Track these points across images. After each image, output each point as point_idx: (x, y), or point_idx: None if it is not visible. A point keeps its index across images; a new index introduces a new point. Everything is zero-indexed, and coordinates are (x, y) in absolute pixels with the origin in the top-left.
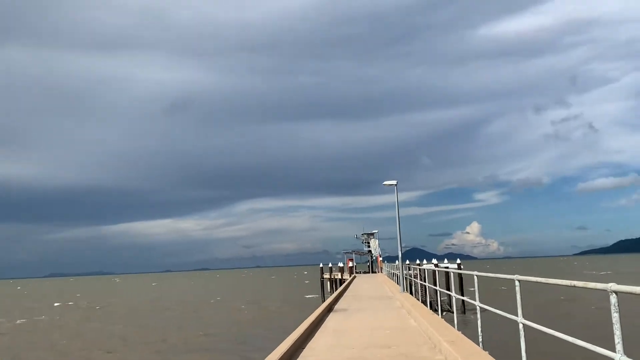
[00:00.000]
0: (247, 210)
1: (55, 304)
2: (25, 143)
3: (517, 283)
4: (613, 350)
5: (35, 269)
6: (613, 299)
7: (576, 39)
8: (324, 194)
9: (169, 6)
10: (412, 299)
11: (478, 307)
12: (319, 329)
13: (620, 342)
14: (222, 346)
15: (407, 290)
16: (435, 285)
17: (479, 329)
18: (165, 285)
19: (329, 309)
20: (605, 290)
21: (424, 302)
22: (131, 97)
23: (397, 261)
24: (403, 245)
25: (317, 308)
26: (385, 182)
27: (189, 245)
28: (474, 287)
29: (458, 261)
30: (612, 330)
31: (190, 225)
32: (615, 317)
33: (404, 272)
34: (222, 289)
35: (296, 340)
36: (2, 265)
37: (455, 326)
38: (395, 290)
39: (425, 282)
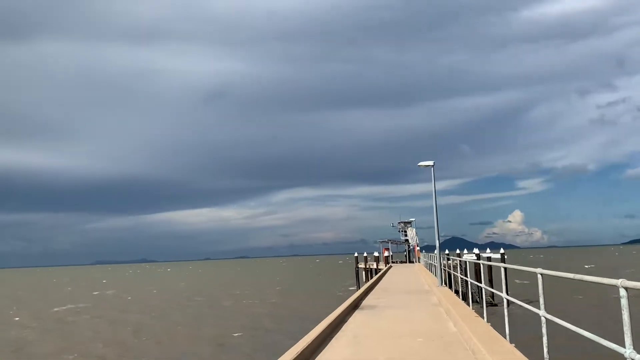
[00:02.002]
0: (285, 200)
1: (94, 293)
2: (70, 135)
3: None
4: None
5: (83, 257)
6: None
7: (624, 19)
8: (361, 183)
9: None
10: (451, 294)
11: (543, 319)
12: (337, 334)
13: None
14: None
15: (445, 283)
16: (476, 277)
17: (545, 341)
18: (201, 274)
19: (355, 305)
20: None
21: (463, 293)
22: (170, 88)
23: (435, 250)
24: (442, 234)
25: (342, 303)
26: (421, 163)
27: (228, 233)
28: (518, 279)
29: (501, 251)
30: None
31: (230, 214)
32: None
33: (442, 262)
34: (255, 279)
35: (303, 350)
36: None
37: (507, 336)
38: (432, 283)
39: (466, 274)
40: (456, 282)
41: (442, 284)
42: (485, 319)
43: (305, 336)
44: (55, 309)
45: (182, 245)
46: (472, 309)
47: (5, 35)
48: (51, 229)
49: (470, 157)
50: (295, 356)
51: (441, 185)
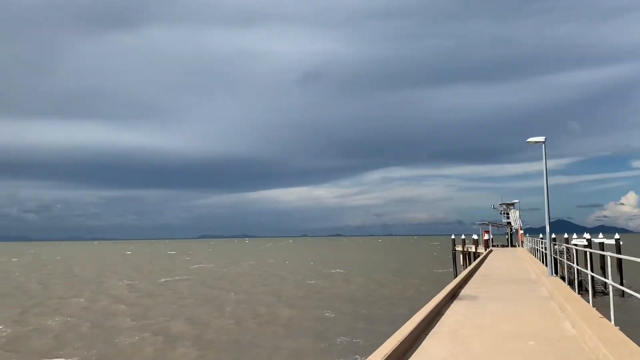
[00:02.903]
0: (379, 179)
1: (192, 267)
2: (178, 117)
3: None
4: None
5: (188, 231)
6: None
7: None
8: (459, 162)
9: None
10: (564, 287)
11: None
12: (433, 329)
13: None
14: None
15: (556, 272)
16: (586, 265)
17: None
18: (295, 251)
19: (453, 295)
20: None
21: (572, 282)
22: (269, 69)
23: (541, 234)
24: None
25: (438, 292)
26: (530, 139)
27: (323, 212)
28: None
29: (616, 236)
30: None
31: (324, 193)
32: None
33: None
34: (348, 258)
35: (394, 351)
36: (161, 227)
37: None
38: (539, 272)
39: (575, 262)
40: (563, 269)
41: (552, 274)
42: (613, 321)
43: (397, 332)
44: (162, 279)
45: (280, 222)
46: (593, 305)
47: (117, 24)
48: (161, 204)
49: (580, 135)
50: (383, 358)
51: (548, 164)
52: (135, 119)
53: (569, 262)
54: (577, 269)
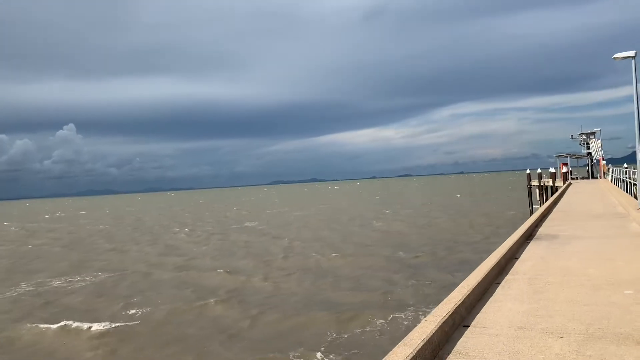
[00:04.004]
0: (448, 116)
1: (268, 211)
2: (246, 66)
3: None
4: None
5: (260, 178)
6: None
7: None
8: (533, 94)
9: None
10: None
11: None
12: (506, 277)
13: None
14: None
15: None
16: None
17: None
18: (362, 192)
19: (530, 234)
20: None
21: None
22: (332, 11)
23: (625, 164)
24: (630, 146)
25: (516, 231)
26: (617, 55)
27: (392, 152)
28: None
29: None
30: None
31: (391, 134)
32: None
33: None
34: (410, 198)
35: (457, 307)
36: (235, 175)
37: None
38: (628, 205)
39: None
40: None
41: None
42: None
43: (464, 282)
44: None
45: (349, 165)
46: None
47: None
48: (233, 153)
49: None
50: (445, 317)
51: (629, 90)
52: (206, 70)
53: None
54: None
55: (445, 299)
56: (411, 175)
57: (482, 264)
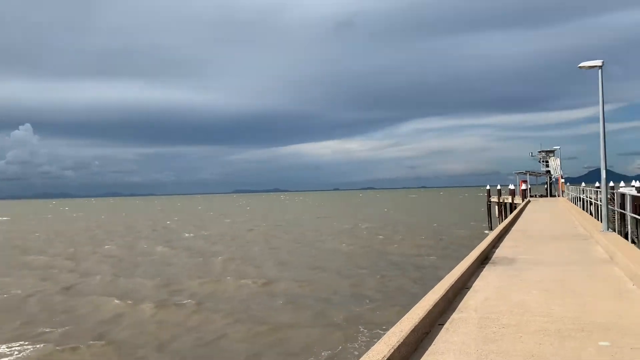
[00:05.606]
0: (412, 131)
1: (226, 220)
2: (208, 72)
3: None
4: None
5: (223, 186)
6: None
7: None
8: (496, 112)
9: None
10: (630, 247)
11: None
12: (453, 314)
13: None
14: None
15: (613, 228)
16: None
17: None
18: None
19: (485, 257)
20: None
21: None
22: (301, 21)
23: (583, 183)
24: (586, 165)
25: (470, 253)
26: (584, 64)
27: (355, 165)
28: None
29: None
30: None
31: (355, 146)
32: None
33: (591, 197)
34: (371, 213)
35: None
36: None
37: None
38: (590, 226)
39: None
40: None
41: (608, 229)
42: None
43: (395, 327)
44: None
45: (312, 176)
46: None
47: None
48: (197, 160)
49: (621, 80)
50: None
51: (587, 112)
52: (172, 76)
53: (634, 215)
54: (620, 215)
55: (364, 356)
56: (374, 188)
57: (425, 296)
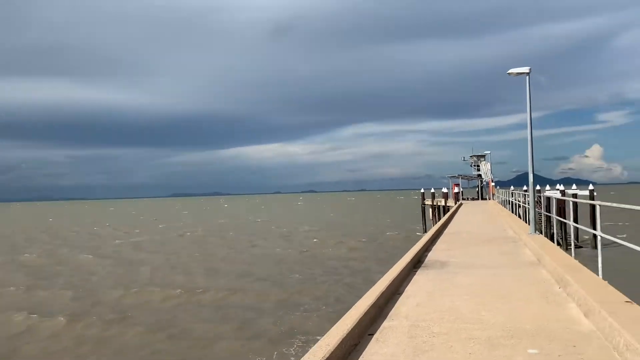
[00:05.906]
0: (352, 135)
1: (160, 226)
2: (144, 73)
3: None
4: None
5: (160, 190)
6: None
7: None
8: (430, 118)
9: None
10: (555, 249)
11: None
12: (384, 322)
13: None
14: None
15: (540, 230)
16: (560, 216)
17: None
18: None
19: (418, 260)
20: None
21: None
22: (240, 24)
23: (512, 187)
24: (514, 169)
25: (403, 257)
26: (512, 70)
27: (297, 168)
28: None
29: (590, 187)
30: None
31: (297, 150)
32: None
33: (519, 200)
34: (310, 216)
35: None
36: (132, 186)
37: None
38: (518, 229)
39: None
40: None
41: (535, 232)
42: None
43: (322, 340)
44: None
45: (253, 179)
46: (603, 277)
47: None
48: (130, 163)
49: (546, 89)
50: None
51: (515, 119)
52: (106, 75)
53: (558, 217)
54: (571, 225)
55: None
56: (315, 192)
57: (356, 304)
